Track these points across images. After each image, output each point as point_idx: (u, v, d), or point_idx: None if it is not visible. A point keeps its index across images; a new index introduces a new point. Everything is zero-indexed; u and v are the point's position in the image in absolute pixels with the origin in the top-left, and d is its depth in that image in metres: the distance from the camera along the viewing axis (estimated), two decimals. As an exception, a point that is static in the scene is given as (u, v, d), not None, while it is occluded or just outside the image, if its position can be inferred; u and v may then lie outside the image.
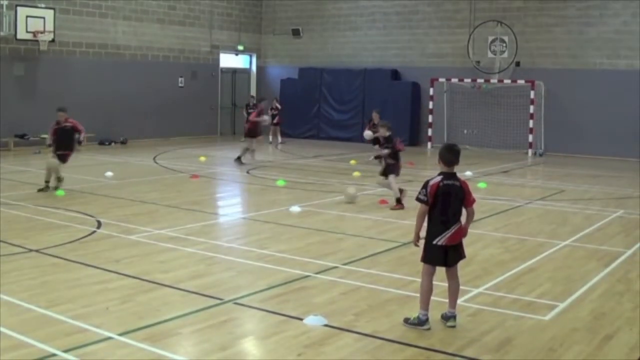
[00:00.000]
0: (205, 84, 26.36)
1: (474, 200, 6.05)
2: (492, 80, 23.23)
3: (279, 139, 24.51)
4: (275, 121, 24.61)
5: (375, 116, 16.44)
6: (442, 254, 5.93)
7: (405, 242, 9.26)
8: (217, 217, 11.45)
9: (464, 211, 6.10)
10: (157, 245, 8.87)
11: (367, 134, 16.01)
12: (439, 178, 5.92)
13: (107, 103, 22.67)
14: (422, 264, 6.14)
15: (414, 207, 7.43)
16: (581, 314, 6.50)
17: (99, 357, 5.22)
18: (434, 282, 6.10)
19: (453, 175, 5.96)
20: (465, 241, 9.40)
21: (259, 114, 18.72)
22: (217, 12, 26.81)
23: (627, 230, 10.63)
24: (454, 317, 6.03)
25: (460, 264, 8.18)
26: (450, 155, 5.97)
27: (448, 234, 5.89)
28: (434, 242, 5.92)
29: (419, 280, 6.77)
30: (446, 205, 5.88)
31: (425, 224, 6.04)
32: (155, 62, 24.60)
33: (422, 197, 5.90)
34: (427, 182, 5.94)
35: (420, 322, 5.93)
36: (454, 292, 6.06)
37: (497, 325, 6.11)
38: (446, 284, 6.17)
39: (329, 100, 26.52)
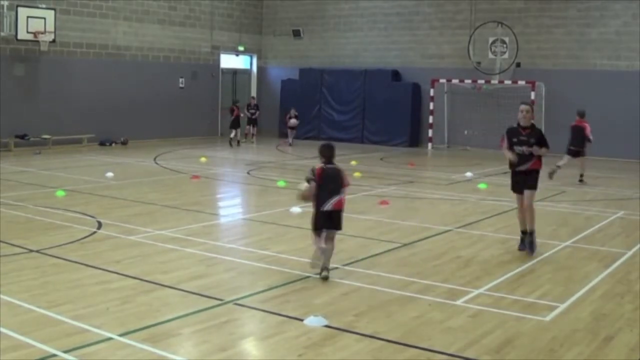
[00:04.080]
0: (205, 84, 26.37)
1: (348, 183, 7.78)
2: (492, 81, 23.19)
3: (252, 133, 25.04)
4: (253, 117, 24.85)
5: None
6: (328, 217, 7.51)
7: (406, 243, 9.28)
8: (217, 218, 11.45)
9: None
10: (158, 246, 8.86)
11: None
12: (321, 165, 7.67)
13: (108, 104, 22.67)
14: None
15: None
16: (582, 315, 6.50)
17: (99, 357, 5.22)
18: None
19: (332, 163, 7.75)
20: (465, 242, 9.54)
21: None
22: (218, 13, 26.81)
23: (628, 231, 10.62)
24: (326, 269, 7.47)
25: (460, 265, 8.25)
26: (327, 151, 7.79)
27: (332, 201, 7.51)
28: (322, 209, 7.48)
29: (420, 281, 6.85)
30: (330, 182, 7.59)
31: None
32: (156, 63, 24.59)
33: (311, 176, 7.61)
34: (312, 168, 7.67)
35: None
36: (327, 254, 7.52)
37: (498, 326, 6.10)
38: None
39: (330, 101, 26.52)
